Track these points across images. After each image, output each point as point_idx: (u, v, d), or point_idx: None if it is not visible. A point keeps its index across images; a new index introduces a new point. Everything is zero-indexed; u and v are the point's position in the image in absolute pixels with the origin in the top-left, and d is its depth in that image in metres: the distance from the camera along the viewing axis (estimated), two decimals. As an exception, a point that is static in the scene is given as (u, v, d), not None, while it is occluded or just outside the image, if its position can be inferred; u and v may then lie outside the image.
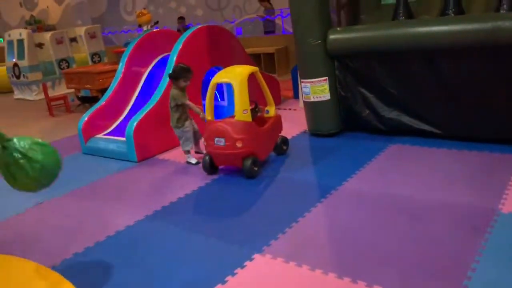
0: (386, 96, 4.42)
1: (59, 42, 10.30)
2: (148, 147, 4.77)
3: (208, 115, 4.06)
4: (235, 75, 3.97)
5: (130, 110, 5.52)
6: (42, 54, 10.31)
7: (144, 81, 5.70)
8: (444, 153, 3.98)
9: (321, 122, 4.74)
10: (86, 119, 5.23)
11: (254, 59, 9.66)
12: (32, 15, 17.62)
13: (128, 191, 3.98)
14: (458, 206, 3.01)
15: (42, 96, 9.67)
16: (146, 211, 3.50)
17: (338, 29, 4.49)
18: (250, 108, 4.27)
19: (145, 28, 9.80)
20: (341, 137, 4.73)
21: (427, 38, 3.94)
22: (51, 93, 9.89)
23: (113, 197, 3.89)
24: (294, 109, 6.20)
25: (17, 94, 10.47)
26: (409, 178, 3.55)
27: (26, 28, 15.15)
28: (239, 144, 3.85)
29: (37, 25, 16.69)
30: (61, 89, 9.90)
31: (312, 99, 4.66)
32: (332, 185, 3.58)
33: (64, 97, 7.95)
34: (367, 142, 4.51)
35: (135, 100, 5.59)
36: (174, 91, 4.28)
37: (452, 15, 4.23)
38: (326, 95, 4.61)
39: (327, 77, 4.57)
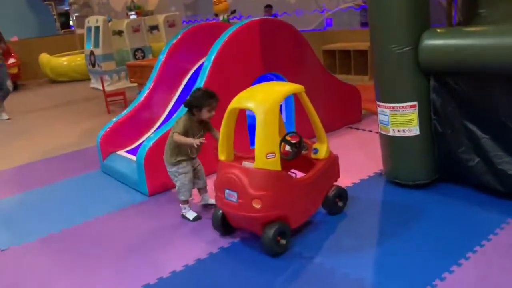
0: (510, 141, 2.77)
1: (136, 30, 9.69)
2: (163, 177, 3.63)
3: (221, 153, 2.79)
4: (262, 99, 2.64)
5: (163, 122, 4.46)
6: (120, 42, 9.81)
7: (185, 86, 4.59)
8: None
9: (404, 167, 3.22)
10: (106, 130, 4.26)
11: (343, 56, 8.13)
12: (132, 1, 17.67)
13: (103, 251, 2.87)
14: None
15: (114, 87, 9.17)
16: (106, 296, 2.37)
17: (438, 30, 2.91)
18: (294, 142, 2.94)
19: (221, 17, 8.76)
20: (432, 193, 3.17)
21: None
22: (124, 85, 9.37)
23: (80, 258, 2.82)
24: (376, 132, 4.65)
25: (93, 83, 10.13)
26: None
27: (127, 14, 15.11)
28: (257, 205, 2.54)
29: (136, 10, 16.65)
30: (135, 81, 9.32)
31: (391, 133, 3.15)
32: (397, 298, 2.12)
33: (122, 93, 7.21)
34: (473, 208, 2.91)
35: (171, 110, 4.51)
36: (183, 117, 3.06)
37: None
38: (413, 129, 3.07)
39: (416, 103, 3.03)
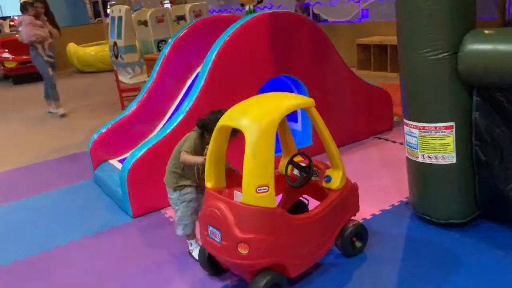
0: None
1: (160, 21, 9.29)
2: (150, 196, 3.16)
3: (208, 180, 2.27)
4: (256, 117, 2.10)
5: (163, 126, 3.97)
6: (145, 33, 9.45)
7: (190, 85, 4.09)
8: None
9: (435, 202, 2.59)
10: (98, 135, 3.82)
11: (379, 51, 7.39)
12: (167, -11, 17.32)
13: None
14: None
15: (137, 80, 8.81)
16: None
17: (486, 31, 2.25)
18: (304, 165, 2.41)
19: (247, 7, 8.20)
20: (471, 235, 2.53)
21: None
22: (147, 78, 9.00)
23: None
24: (408, 146, 3.99)
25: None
26: None
27: (161, 2, 14.77)
28: (243, 250, 2.02)
29: (170, -1, 16.30)
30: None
31: (420, 159, 2.52)
32: None
33: (137, 88, 6.82)
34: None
35: (172, 113, 4.02)
36: (193, 135, 2.47)
37: None
38: (448, 156, 2.44)
39: (453, 123, 2.39)
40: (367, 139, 4.25)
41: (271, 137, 2.04)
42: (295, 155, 2.48)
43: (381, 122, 4.38)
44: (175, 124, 3.19)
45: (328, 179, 2.39)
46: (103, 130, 3.84)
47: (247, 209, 2.03)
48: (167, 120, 3.94)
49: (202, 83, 3.25)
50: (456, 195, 2.50)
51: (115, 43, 9.26)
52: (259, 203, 2.02)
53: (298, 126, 4.01)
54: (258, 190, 2.01)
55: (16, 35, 13.15)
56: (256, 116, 2.11)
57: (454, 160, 2.43)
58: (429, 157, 2.47)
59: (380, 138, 4.28)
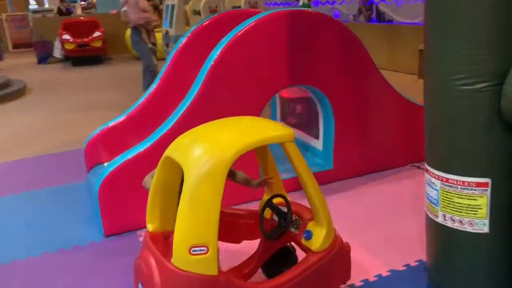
0: None
1: (213, 11, 8.92)
2: (126, 214, 2.76)
3: (150, 221, 1.83)
4: (203, 153, 1.61)
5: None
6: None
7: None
8: None
9: (457, 276, 1.94)
10: (95, 135, 3.49)
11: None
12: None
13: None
14: None
15: (183, 71, 8.59)
16: None
17: (546, 60, 1.57)
18: (285, 210, 1.92)
19: (301, 2, 7.67)
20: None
21: None
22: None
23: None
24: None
25: (167, 64, 9.64)
26: None
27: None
28: (169, 326, 1.54)
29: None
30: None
31: (440, 219, 1.89)
32: None
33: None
34: None
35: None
36: None
37: None
38: (479, 222, 1.78)
39: (489, 180, 1.73)
40: (403, 167, 3.57)
41: (217, 182, 1.53)
42: (275, 196, 1.96)
43: (422, 147, 3.66)
44: (160, 134, 2.76)
45: (308, 235, 1.83)
46: (103, 128, 3.51)
47: (177, 275, 1.54)
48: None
49: (198, 88, 2.79)
50: (486, 275, 1.84)
51: (167, 32, 9.07)
52: (193, 268, 1.52)
53: (319, 144, 3.43)
54: (193, 251, 1.52)
55: (81, 17, 13.44)
56: (203, 152, 1.60)
57: (486, 229, 1.77)
58: (452, 219, 1.83)
59: (419, 168, 3.57)
